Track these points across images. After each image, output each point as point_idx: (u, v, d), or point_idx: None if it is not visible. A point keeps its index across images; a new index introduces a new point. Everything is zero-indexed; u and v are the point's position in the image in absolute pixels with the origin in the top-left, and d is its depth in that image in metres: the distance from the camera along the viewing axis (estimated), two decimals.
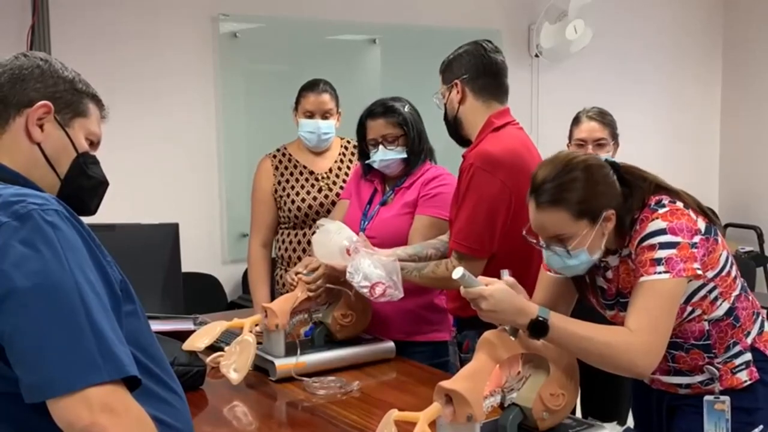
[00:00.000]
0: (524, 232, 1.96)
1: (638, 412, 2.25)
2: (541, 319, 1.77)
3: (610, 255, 1.99)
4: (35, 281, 1.24)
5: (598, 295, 2.06)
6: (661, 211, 1.89)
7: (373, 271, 2.34)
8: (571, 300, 2.11)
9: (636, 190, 1.94)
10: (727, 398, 1.92)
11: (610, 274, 2.01)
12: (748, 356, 2.01)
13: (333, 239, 2.41)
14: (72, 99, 1.49)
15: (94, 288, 1.29)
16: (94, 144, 1.54)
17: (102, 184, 1.56)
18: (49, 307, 1.24)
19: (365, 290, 2.34)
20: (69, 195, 1.48)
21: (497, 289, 1.80)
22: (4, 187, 1.37)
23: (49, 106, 1.45)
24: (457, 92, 2.46)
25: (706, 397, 1.94)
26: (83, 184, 1.52)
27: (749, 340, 2.01)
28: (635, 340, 1.80)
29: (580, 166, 1.89)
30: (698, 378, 2.02)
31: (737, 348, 2.00)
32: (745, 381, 2.00)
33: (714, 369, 1.98)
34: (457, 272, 1.79)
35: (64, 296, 1.25)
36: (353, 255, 2.37)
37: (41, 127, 1.45)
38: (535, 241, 1.94)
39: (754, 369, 2.01)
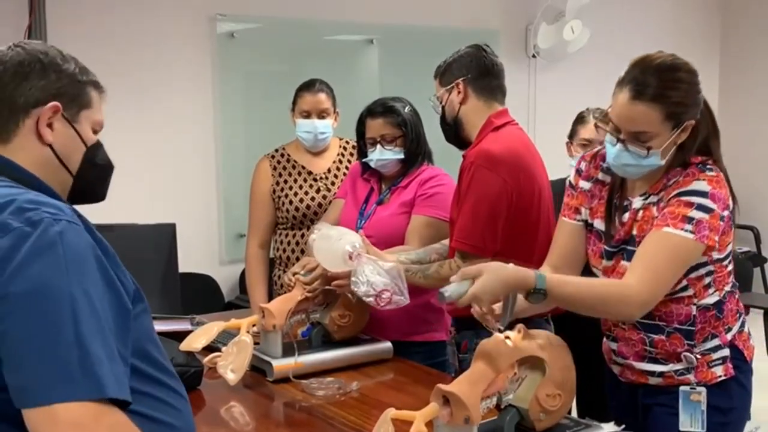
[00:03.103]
0: (595, 123, 1.97)
1: (615, 411, 2.22)
2: (539, 289, 1.80)
3: (639, 196, 1.99)
4: (29, 287, 1.23)
5: (601, 241, 2.05)
6: (709, 174, 1.92)
7: (377, 278, 2.32)
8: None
9: (703, 135, 1.95)
10: (703, 389, 1.94)
11: (626, 217, 2.00)
12: (726, 352, 2.01)
13: (335, 245, 2.39)
14: (76, 92, 1.47)
15: (92, 303, 1.27)
16: (96, 131, 1.53)
17: (108, 169, 1.56)
18: (36, 314, 1.23)
19: (371, 299, 2.33)
20: (81, 188, 1.50)
21: (485, 282, 1.80)
22: (22, 192, 1.36)
23: (58, 107, 1.43)
24: (459, 92, 2.46)
25: (682, 388, 1.95)
26: (93, 176, 1.52)
27: (729, 336, 2.02)
28: (632, 292, 1.83)
29: (685, 68, 1.91)
30: (673, 367, 2.01)
31: (716, 341, 2.00)
32: (720, 376, 2.00)
33: (693, 357, 1.98)
34: (441, 296, 1.81)
35: (54, 306, 1.24)
36: (355, 261, 2.36)
37: (50, 126, 1.44)
38: (614, 130, 1.92)
39: (731, 366, 2.01)
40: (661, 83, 1.86)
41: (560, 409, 1.82)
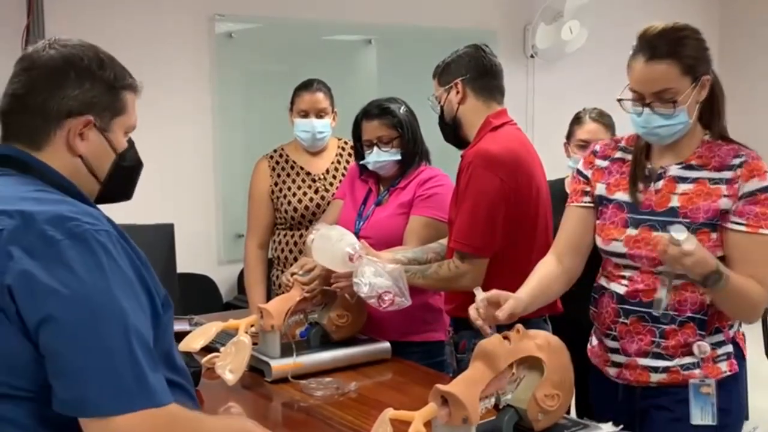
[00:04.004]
0: (617, 98, 1.99)
1: (608, 417, 1.98)
2: (721, 271, 1.83)
3: (675, 164, 2.00)
4: (81, 302, 1.26)
5: (624, 211, 2.04)
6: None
7: (379, 280, 2.32)
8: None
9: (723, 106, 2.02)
10: (713, 381, 1.93)
11: (660, 185, 2.00)
12: (729, 348, 2.02)
13: (335, 246, 2.39)
14: (110, 100, 1.44)
15: (137, 312, 1.31)
16: (128, 133, 1.52)
17: (137, 168, 1.55)
18: (91, 329, 1.26)
19: (373, 301, 2.33)
20: (108, 191, 1.50)
21: (698, 247, 1.82)
22: (57, 200, 1.36)
23: (90, 120, 1.42)
24: (457, 92, 2.46)
25: (692, 380, 1.94)
26: (121, 179, 1.52)
27: (731, 333, 2.03)
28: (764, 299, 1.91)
29: (690, 27, 1.99)
30: (680, 361, 1.99)
31: (720, 336, 2.01)
32: (725, 372, 2.00)
33: (706, 346, 1.97)
34: (677, 231, 1.81)
35: (107, 320, 1.27)
36: (356, 262, 2.35)
37: (82, 135, 1.42)
38: (637, 99, 1.96)
39: (734, 362, 2.02)
40: (671, 41, 1.93)
41: (558, 409, 1.82)
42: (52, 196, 1.37)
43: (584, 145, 3.07)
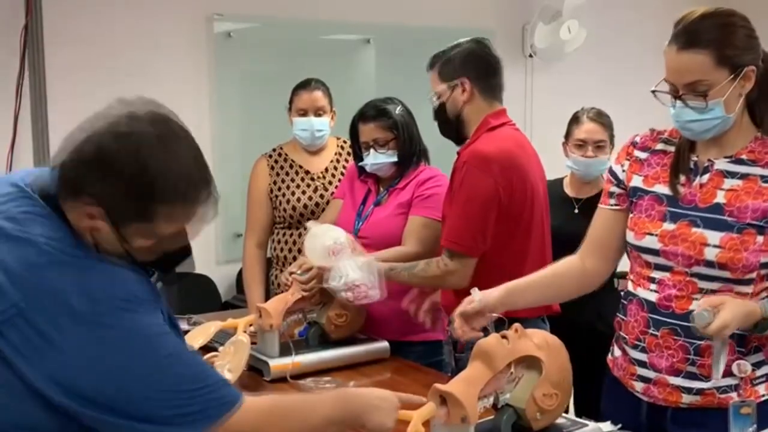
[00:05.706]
0: (653, 88, 1.84)
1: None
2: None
3: (723, 158, 1.84)
4: (117, 342, 1.30)
5: (663, 204, 1.88)
6: None
7: (352, 273, 2.35)
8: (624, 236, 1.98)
9: None
10: (753, 402, 1.76)
11: (705, 178, 1.84)
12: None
13: (319, 242, 2.43)
14: (127, 207, 1.33)
15: (177, 344, 1.39)
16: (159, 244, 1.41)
17: (171, 260, 1.52)
18: (132, 357, 1.31)
19: (349, 293, 2.36)
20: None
21: (730, 311, 1.68)
22: (83, 266, 1.33)
23: (94, 214, 1.33)
24: (463, 91, 2.44)
25: (732, 401, 1.77)
26: (151, 264, 1.46)
27: None
28: None
29: (737, 14, 1.81)
30: (716, 383, 1.81)
31: (760, 356, 1.85)
32: (763, 395, 1.83)
33: (747, 365, 1.80)
34: (701, 317, 1.67)
35: (148, 352, 1.33)
36: (335, 256, 2.38)
37: (90, 217, 1.34)
38: (670, 91, 1.81)
39: None
40: (707, 28, 1.77)
41: (557, 408, 1.82)
42: (77, 252, 1.34)
43: (582, 144, 3.08)
